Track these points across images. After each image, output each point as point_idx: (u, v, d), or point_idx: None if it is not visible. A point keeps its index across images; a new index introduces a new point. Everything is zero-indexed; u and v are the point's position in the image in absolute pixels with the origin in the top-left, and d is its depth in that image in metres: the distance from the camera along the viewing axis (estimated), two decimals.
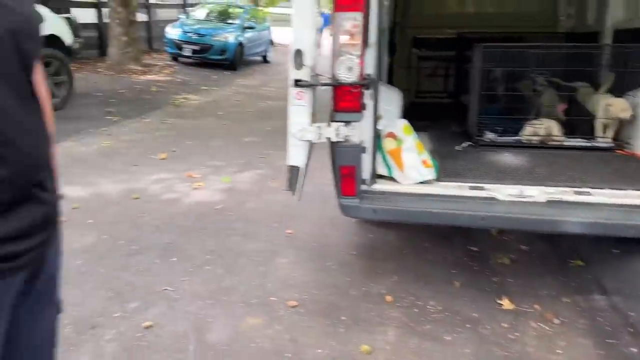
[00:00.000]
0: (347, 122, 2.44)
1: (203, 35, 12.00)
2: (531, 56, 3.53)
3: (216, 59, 11.96)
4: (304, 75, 2.36)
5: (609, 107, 3.28)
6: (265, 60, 14.52)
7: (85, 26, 10.86)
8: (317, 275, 2.97)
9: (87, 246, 3.14)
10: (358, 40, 2.39)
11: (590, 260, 3.22)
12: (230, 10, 14.05)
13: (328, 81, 2.44)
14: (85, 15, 11.00)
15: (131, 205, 3.80)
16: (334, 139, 2.43)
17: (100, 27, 11.78)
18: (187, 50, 11.95)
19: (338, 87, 2.41)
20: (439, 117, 4.69)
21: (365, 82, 2.42)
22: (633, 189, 2.54)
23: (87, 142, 5.46)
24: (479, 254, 3.31)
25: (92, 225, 3.42)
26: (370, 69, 2.47)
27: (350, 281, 2.91)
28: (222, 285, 2.79)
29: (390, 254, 3.25)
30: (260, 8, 18.01)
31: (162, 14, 15.08)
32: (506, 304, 2.71)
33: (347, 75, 2.39)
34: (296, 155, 2.47)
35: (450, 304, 2.71)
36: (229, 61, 12.06)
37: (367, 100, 2.48)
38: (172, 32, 12.21)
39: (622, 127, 3.35)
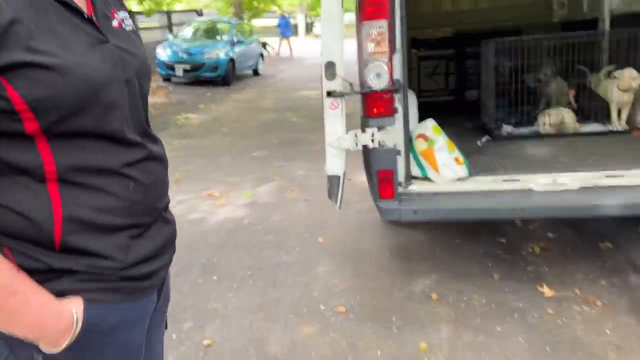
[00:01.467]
0: (381, 127, 2.50)
1: (194, 54, 12.03)
2: (539, 47, 3.63)
3: (209, 76, 12.00)
4: (337, 85, 2.42)
5: (619, 82, 3.33)
6: (256, 73, 14.60)
7: None
8: (358, 280, 3.01)
9: None
10: (385, 48, 2.46)
11: (618, 242, 3.29)
12: (218, 26, 14.10)
13: (357, 89, 2.51)
14: None
15: None
16: (371, 145, 2.49)
17: None
18: (179, 70, 11.98)
19: (370, 94, 2.47)
20: (446, 114, 4.76)
21: (395, 87, 2.48)
22: None
23: None
24: (510, 245, 3.37)
25: None
26: (398, 74, 2.53)
27: (392, 283, 2.96)
28: (268, 297, 2.83)
29: (425, 253, 3.31)
30: (245, 22, 18.07)
31: (146, 35, 15.09)
32: (547, 291, 2.77)
33: (378, 82, 2.46)
34: (335, 165, 2.53)
35: (494, 296, 2.76)
36: (222, 77, 12.11)
37: (398, 104, 2.55)
38: (163, 54, 12.23)
39: (635, 110, 3.44)
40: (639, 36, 3.41)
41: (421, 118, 3.08)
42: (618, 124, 3.44)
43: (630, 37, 3.52)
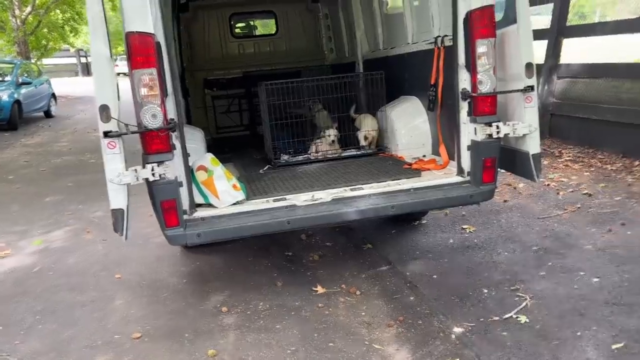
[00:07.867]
0: (160, 162, 2.77)
1: None
2: (306, 87, 4.31)
3: None
4: (112, 126, 2.64)
5: (365, 123, 4.21)
6: (49, 115, 13.55)
7: None
8: (154, 307, 3.19)
9: None
10: (157, 91, 2.76)
11: (376, 243, 4.04)
12: None
13: (136, 129, 2.75)
14: None
15: None
16: (152, 179, 2.74)
17: None
18: None
19: (147, 132, 2.73)
20: (241, 147, 5.25)
21: (170, 126, 2.79)
22: (391, 180, 3.36)
23: None
24: (294, 256, 3.89)
25: None
26: (172, 114, 2.84)
27: (186, 305, 3.20)
28: (61, 338, 2.83)
29: (219, 274, 3.62)
30: (31, 62, 16.65)
31: None
32: (319, 289, 3.30)
33: (153, 122, 2.73)
34: (117, 199, 2.72)
35: (276, 300, 3.20)
36: (6, 121, 11.04)
37: (175, 140, 2.85)
38: None
39: (380, 136, 4.30)
40: (381, 77, 4.27)
41: (218, 152, 3.41)
42: (368, 148, 4.24)
43: (375, 78, 4.39)
